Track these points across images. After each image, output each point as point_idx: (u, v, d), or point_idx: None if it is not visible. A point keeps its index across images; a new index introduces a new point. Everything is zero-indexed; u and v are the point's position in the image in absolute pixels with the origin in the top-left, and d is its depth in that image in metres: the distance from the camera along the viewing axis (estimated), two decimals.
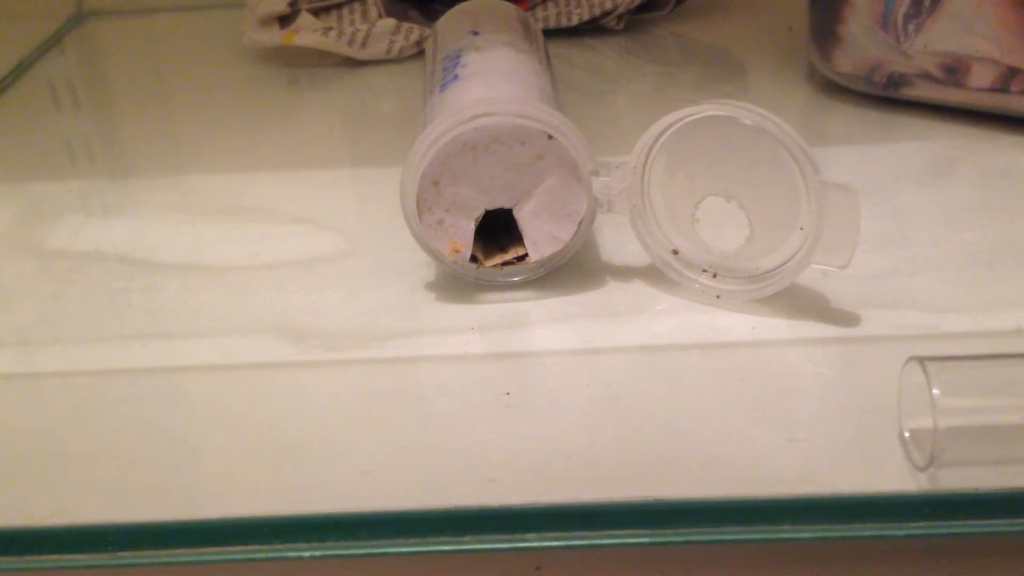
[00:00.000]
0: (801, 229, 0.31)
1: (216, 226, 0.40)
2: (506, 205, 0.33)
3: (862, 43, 0.44)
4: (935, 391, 0.25)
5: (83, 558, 0.26)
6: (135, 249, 0.38)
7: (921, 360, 0.26)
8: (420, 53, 0.53)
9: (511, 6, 0.45)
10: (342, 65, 0.54)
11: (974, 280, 0.34)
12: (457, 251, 0.33)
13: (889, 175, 0.40)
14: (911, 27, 0.42)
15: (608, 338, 0.32)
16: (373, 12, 0.54)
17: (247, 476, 0.28)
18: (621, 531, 0.26)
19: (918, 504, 0.26)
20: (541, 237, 0.33)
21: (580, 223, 0.33)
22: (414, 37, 0.54)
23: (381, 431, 0.29)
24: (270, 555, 0.26)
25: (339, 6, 0.55)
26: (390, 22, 0.53)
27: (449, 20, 0.44)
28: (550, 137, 0.32)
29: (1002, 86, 0.41)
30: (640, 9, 0.56)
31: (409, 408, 0.30)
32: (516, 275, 0.34)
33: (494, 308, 0.34)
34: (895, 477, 0.26)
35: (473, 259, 0.34)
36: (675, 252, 0.33)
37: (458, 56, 0.38)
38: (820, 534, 0.26)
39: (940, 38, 0.42)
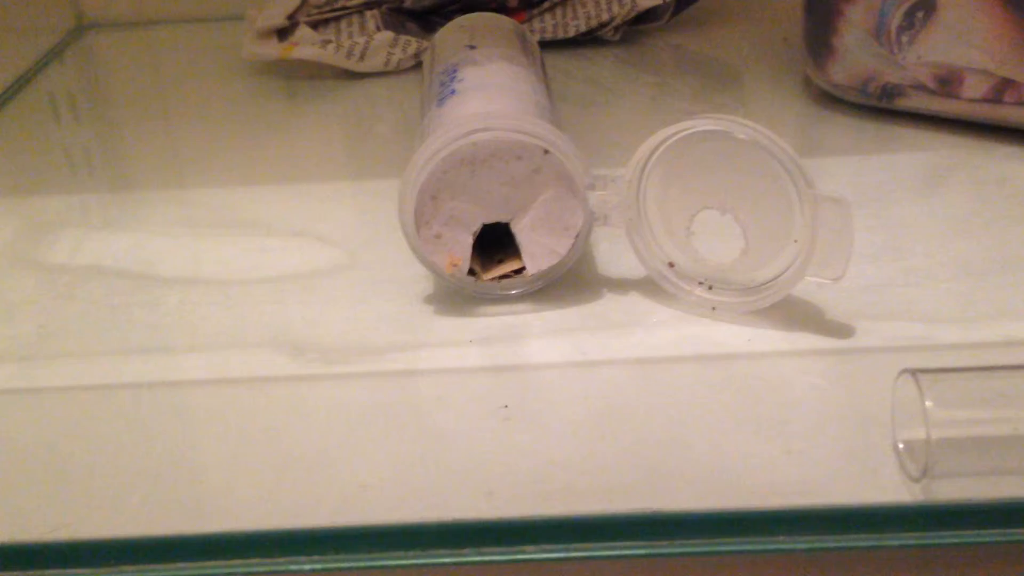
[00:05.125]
0: (795, 242, 0.31)
1: (216, 240, 0.40)
2: (503, 219, 0.34)
3: (856, 54, 0.44)
4: (928, 403, 0.25)
5: (85, 572, 0.26)
6: (135, 263, 0.39)
7: (914, 372, 0.26)
8: (418, 65, 0.53)
9: (508, 19, 0.45)
10: (340, 78, 0.54)
11: (968, 291, 0.34)
12: (455, 265, 0.34)
13: (883, 186, 0.41)
14: (904, 38, 0.42)
15: (605, 350, 0.32)
16: (371, 25, 0.55)
17: (247, 489, 0.28)
18: (619, 543, 0.26)
19: (912, 515, 0.26)
20: (538, 250, 0.34)
21: (577, 236, 0.34)
22: (412, 50, 0.54)
23: (380, 444, 0.29)
24: (271, 568, 0.26)
25: (337, 19, 0.55)
26: (388, 35, 0.54)
27: (446, 34, 0.44)
28: (546, 151, 0.33)
29: (995, 97, 0.42)
30: (636, 20, 0.56)
31: (408, 421, 0.30)
32: (514, 288, 0.34)
33: (492, 321, 0.34)
34: (889, 488, 0.26)
35: (471, 272, 0.34)
36: (671, 265, 0.34)
37: (455, 70, 0.38)
38: (815, 545, 0.26)
39: (933, 49, 0.42)
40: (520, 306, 0.34)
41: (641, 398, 0.30)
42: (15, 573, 0.26)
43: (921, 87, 0.43)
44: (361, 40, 0.53)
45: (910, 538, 0.26)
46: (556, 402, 0.31)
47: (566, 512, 0.26)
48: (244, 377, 0.32)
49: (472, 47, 0.40)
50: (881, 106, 0.45)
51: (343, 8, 0.56)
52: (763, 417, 0.29)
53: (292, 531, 0.26)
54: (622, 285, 0.35)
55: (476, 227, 0.33)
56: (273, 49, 0.54)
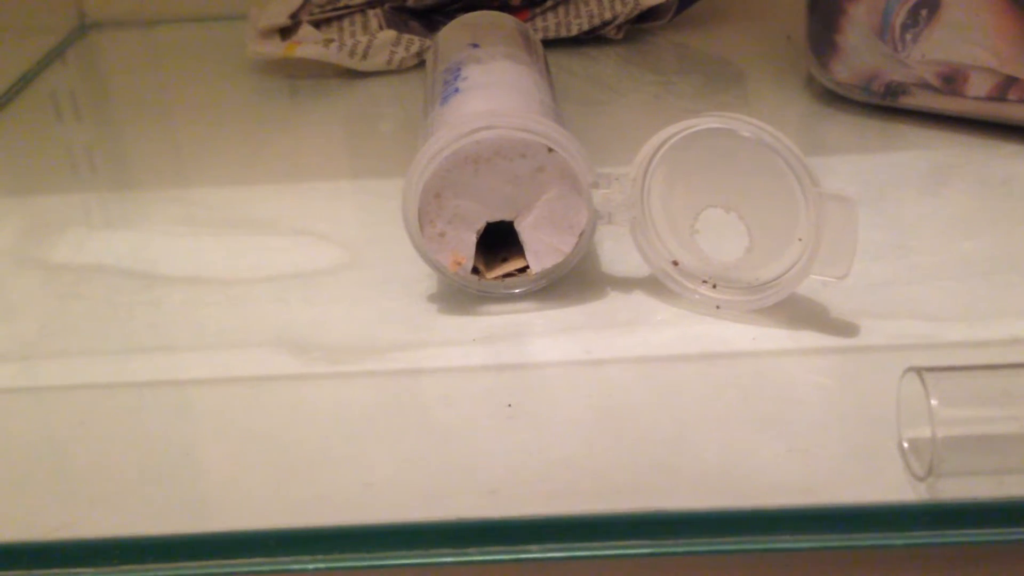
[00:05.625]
0: (800, 240, 0.31)
1: (218, 239, 0.40)
2: (507, 217, 0.33)
3: (860, 52, 0.44)
4: (933, 402, 0.25)
5: (87, 572, 0.26)
6: (138, 262, 0.39)
7: (919, 371, 0.26)
8: (421, 64, 0.53)
9: (511, 18, 0.45)
10: (343, 76, 0.54)
11: (973, 289, 0.34)
12: (459, 263, 0.33)
13: (888, 184, 0.41)
14: (908, 36, 0.42)
15: (609, 349, 0.32)
16: (374, 24, 0.55)
17: (250, 489, 0.28)
18: (623, 542, 0.26)
19: (917, 514, 0.26)
20: (542, 249, 0.34)
21: (581, 235, 0.34)
22: (415, 49, 0.54)
23: (383, 443, 0.29)
24: (274, 568, 0.26)
25: (340, 18, 0.55)
26: (391, 34, 0.54)
27: (449, 32, 0.44)
28: (550, 150, 0.33)
29: (1000, 95, 0.41)
30: (639, 19, 0.56)
31: (411, 420, 0.30)
32: (517, 287, 0.34)
33: (496, 320, 0.34)
34: (894, 487, 0.26)
35: (475, 271, 0.34)
36: (675, 263, 0.34)
37: (459, 69, 0.38)
38: (820, 544, 0.26)
39: (937, 47, 0.42)
40: (524, 305, 0.34)
41: (645, 397, 0.30)
42: (18, 572, 0.26)
43: (925, 85, 0.43)
44: (364, 39, 0.53)
45: (915, 537, 0.26)
46: (560, 401, 0.31)
47: (570, 511, 0.26)
48: (247, 376, 0.32)
49: (475, 45, 0.40)
50: (885, 104, 0.45)
51: (346, 7, 0.56)
52: (767, 416, 0.29)
53: (295, 530, 0.26)
54: (626, 284, 0.35)
55: (480, 225, 0.33)
56: (276, 48, 0.54)
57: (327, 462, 0.28)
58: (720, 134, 0.31)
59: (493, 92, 0.36)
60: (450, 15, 0.52)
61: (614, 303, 0.34)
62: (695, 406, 0.30)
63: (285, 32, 0.55)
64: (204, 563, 0.26)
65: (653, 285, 0.34)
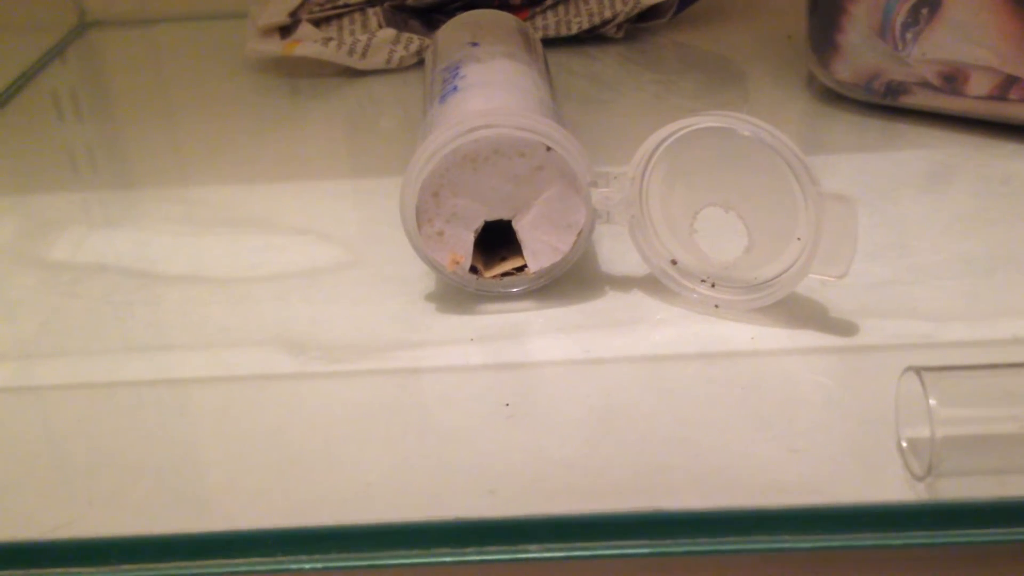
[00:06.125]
0: (799, 239, 0.31)
1: (218, 237, 0.40)
2: (506, 216, 0.33)
3: (860, 52, 0.44)
4: (932, 401, 0.25)
5: (87, 571, 0.26)
6: (138, 261, 0.39)
7: (918, 370, 0.26)
8: (420, 63, 0.53)
9: (510, 16, 0.45)
10: (342, 75, 0.54)
11: (973, 289, 0.34)
12: (457, 262, 0.33)
13: (888, 183, 0.41)
14: (909, 36, 0.42)
15: (608, 348, 0.32)
16: (373, 22, 0.55)
17: (249, 488, 0.28)
18: (622, 542, 0.26)
19: (916, 513, 0.26)
20: (540, 248, 0.34)
21: (579, 234, 0.33)
22: (414, 47, 0.54)
23: (382, 443, 0.29)
24: (273, 567, 0.26)
25: (340, 16, 0.55)
26: (390, 32, 0.53)
27: (449, 31, 0.44)
28: (549, 149, 0.33)
29: (1000, 94, 0.41)
30: (639, 18, 0.56)
31: (410, 420, 0.30)
32: (516, 286, 0.34)
33: (494, 319, 0.34)
34: (893, 487, 0.26)
35: (473, 270, 0.34)
36: (674, 262, 0.34)
37: (457, 67, 0.38)
38: (819, 544, 0.26)
39: (938, 47, 0.42)
40: (522, 304, 0.34)
41: (644, 396, 0.30)
42: (17, 572, 0.26)
43: (926, 84, 0.43)
44: (363, 37, 0.53)
45: (914, 537, 0.26)
46: (558, 400, 0.31)
47: (569, 511, 0.26)
48: (246, 375, 0.32)
49: (475, 44, 0.40)
50: (886, 103, 0.45)
51: (345, 5, 0.56)
52: (767, 415, 0.29)
53: (294, 530, 0.26)
54: (625, 283, 0.35)
55: (478, 224, 0.33)
56: (275, 46, 0.54)
57: (326, 461, 0.28)
58: (720, 133, 0.31)
59: (492, 91, 0.36)
60: (450, 14, 0.52)
61: (613, 302, 0.34)
62: (694, 405, 0.30)
63: (285, 31, 0.55)
64: (204, 563, 0.26)
65: (652, 284, 0.34)
